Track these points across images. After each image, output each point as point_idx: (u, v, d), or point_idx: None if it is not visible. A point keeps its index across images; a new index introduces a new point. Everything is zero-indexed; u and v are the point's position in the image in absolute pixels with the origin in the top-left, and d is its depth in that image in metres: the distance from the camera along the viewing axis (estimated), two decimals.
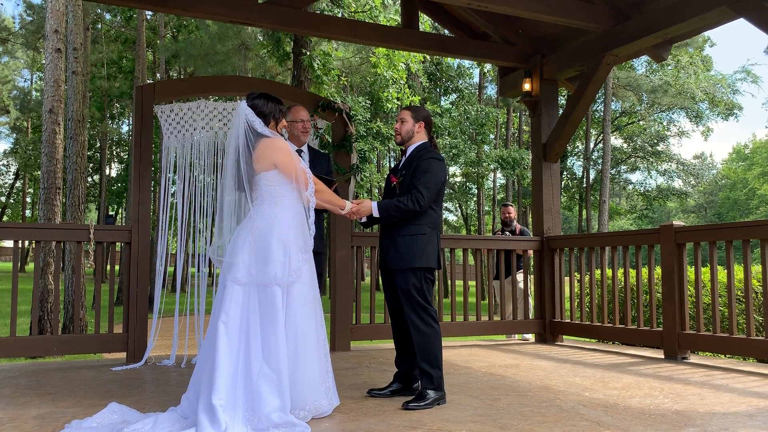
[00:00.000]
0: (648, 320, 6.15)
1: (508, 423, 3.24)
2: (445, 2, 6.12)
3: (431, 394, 3.64)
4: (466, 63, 26.99)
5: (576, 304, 7.10)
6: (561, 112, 7.20)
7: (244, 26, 16.00)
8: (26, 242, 7.12)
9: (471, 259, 6.96)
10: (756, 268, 7.02)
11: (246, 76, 17.79)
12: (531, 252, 7.21)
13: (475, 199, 30.63)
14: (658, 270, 5.89)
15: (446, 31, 10.55)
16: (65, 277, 11.44)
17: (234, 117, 3.43)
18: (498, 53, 7.36)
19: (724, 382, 4.46)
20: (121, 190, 29.82)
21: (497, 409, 3.57)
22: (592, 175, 30.28)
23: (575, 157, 31.98)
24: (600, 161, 27.58)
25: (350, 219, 4.28)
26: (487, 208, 31.72)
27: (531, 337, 7.54)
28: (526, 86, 7.27)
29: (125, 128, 32.21)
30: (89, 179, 32.34)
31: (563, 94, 17.18)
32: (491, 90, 30.26)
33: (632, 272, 8.02)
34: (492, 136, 25.78)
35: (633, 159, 31.38)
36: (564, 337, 7.05)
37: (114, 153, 31.95)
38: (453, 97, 27.70)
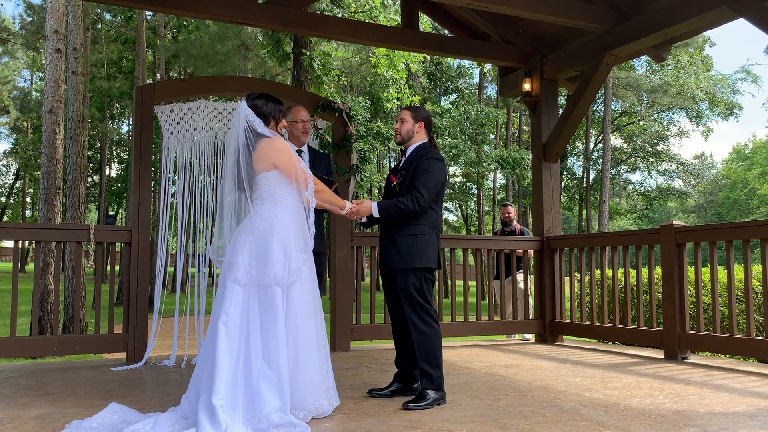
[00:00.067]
0: (648, 320, 6.15)
1: (508, 423, 3.24)
2: (445, 2, 6.12)
3: (431, 394, 3.64)
4: (466, 63, 27.01)
5: (576, 304, 7.10)
6: (561, 112, 7.20)
7: (244, 26, 15.98)
8: (26, 242, 7.11)
9: (471, 259, 6.97)
10: (756, 268, 7.02)
11: (246, 76, 17.79)
12: (531, 252, 7.21)
13: (475, 199, 30.66)
14: (658, 270, 5.90)
15: (446, 31, 10.55)
16: (65, 277, 11.44)
17: (234, 117, 3.43)
18: (498, 53, 7.36)
19: (724, 382, 4.46)
20: (121, 191, 29.82)
21: (497, 409, 3.57)
22: (592, 175, 30.30)
23: (575, 157, 31.99)
24: (600, 161, 27.59)
25: (350, 219, 4.28)
26: (487, 208, 31.74)
27: (531, 337, 7.54)
28: (526, 86, 7.27)
29: (125, 128, 32.24)
30: (89, 179, 32.34)
31: (563, 94, 17.18)
32: (491, 90, 30.27)
33: (632, 272, 8.02)
34: (492, 136, 25.79)
35: (633, 159, 31.40)
36: (564, 337, 7.05)
37: (114, 153, 31.96)
38: (453, 97, 27.72)
